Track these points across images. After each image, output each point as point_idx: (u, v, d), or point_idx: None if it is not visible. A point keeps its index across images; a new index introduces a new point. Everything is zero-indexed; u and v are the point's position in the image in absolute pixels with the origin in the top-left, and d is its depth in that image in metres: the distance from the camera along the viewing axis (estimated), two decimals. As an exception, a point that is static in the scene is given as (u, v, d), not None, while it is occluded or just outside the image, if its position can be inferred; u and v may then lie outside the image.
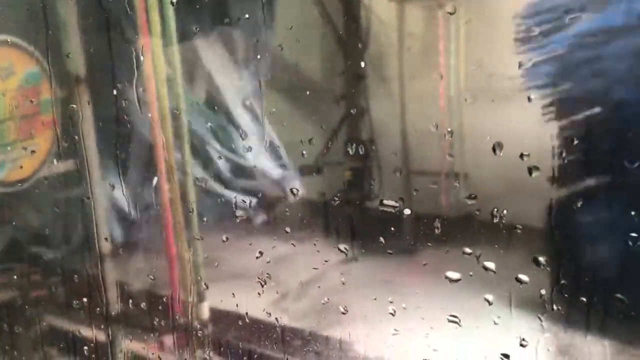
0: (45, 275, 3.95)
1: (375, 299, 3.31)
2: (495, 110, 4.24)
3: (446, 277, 3.32)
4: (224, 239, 3.39)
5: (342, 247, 4.12)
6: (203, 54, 4.76)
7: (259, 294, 3.23)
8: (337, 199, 4.50)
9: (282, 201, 4.31)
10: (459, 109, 4.39)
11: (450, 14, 4.03)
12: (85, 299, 3.61)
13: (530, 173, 3.62)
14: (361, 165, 4.43)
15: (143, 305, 3.43)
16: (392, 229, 4.13)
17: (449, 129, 4.47)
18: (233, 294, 3.28)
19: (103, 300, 3.53)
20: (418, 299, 3.24)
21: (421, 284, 3.46)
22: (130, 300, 3.58)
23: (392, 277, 3.61)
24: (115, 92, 3.41)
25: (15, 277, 4.12)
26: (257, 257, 3.41)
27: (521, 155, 3.87)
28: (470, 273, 3.53)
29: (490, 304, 3.02)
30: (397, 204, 3.58)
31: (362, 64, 4.40)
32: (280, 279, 3.63)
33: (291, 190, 3.36)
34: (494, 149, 4.16)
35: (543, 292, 2.98)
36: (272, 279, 3.57)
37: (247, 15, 3.38)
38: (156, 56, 3.19)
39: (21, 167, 3.99)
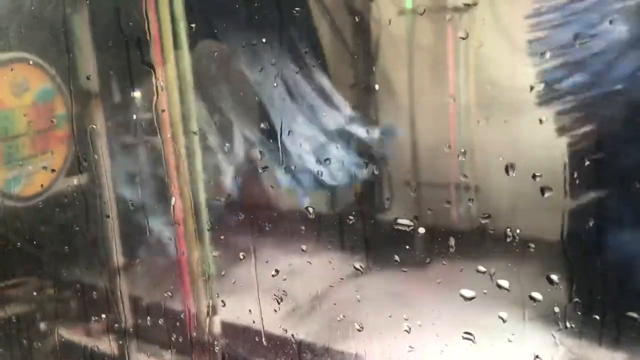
0: (60, 290, 3.99)
1: (390, 316, 3.31)
2: (505, 120, 4.23)
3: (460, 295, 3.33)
4: (241, 256, 3.42)
5: (357, 264, 4.12)
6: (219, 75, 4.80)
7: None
8: (347, 212, 4.50)
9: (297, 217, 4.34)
10: (470, 122, 4.38)
11: (462, 38, 4.04)
12: (101, 315, 3.63)
13: (542, 193, 3.63)
14: (371, 178, 4.43)
15: (158, 320, 3.45)
16: (406, 246, 4.13)
17: (461, 147, 4.47)
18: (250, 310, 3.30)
19: (119, 316, 3.55)
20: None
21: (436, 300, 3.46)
22: (145, 316, 3.60)
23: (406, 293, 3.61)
24: (133, 113, 3.45)
25: (29, 291, 4.16)
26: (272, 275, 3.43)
27: (533, 176, 3.88)
28: (485, 291, 3.53)
29: (504, 321, 3.03)
30: (412, 223, 3.59)
31: (372, 78, 4.41)
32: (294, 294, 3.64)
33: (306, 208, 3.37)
34: (506, 169, 4.17)
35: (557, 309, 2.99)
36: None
37: (264, 40, 3.42)
38: (171, 79, 3.22)
39: (37, 182, 4.04)
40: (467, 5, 4.00)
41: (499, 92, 3.92)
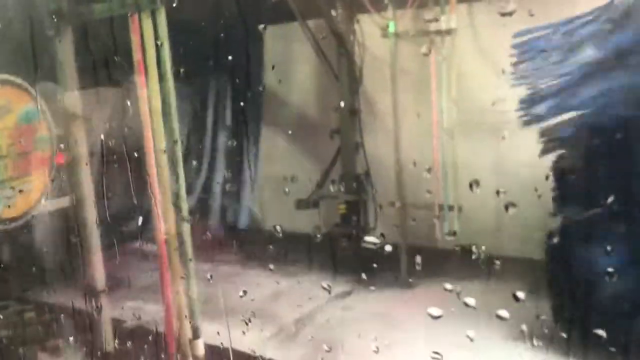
0: (37, 313, 3.91)
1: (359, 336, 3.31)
2: (488, 141, 4.28)
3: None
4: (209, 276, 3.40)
5: (337, 281, 4.11)
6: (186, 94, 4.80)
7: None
8: (331, 233, 4.50)
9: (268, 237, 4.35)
10: (453, 143, 4.43)
11: (443, 61, 4.09)
12: (77, 336, 3.56)
13: (506, 208, 3.65)
14: (357, 199, 4.45)
15: (135, 342, 3.39)
16: (381, 264, 4.13)
17: (441, 163, 4.51)
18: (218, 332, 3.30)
19: (96, 337, 3.49)
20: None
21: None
22: (123, 338, 3.54)
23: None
24: (105, 131, 3.43)
25: (7, 314, 4.07)
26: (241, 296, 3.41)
27: (497, 192, 3.90)
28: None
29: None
30: (379, 241, 3.63)
31: (356, 100, 4.46)
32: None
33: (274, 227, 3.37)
34: (496, 193, 4.18)
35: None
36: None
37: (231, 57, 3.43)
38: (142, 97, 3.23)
39: (16, 204, 3.98)
40: (448, 31, 4.07)
41: (480, 114, 3.97)
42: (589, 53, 2.85)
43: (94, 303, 3.58)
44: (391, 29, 4.09)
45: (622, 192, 2.75)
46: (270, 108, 5.22)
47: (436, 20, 4.04)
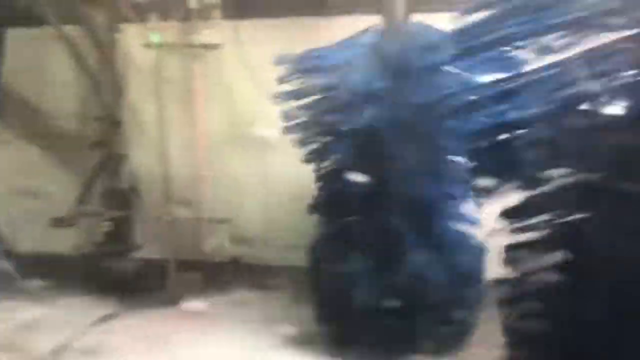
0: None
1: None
2: (255, 155, 4.43)
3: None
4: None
5: (100, 303, 3.83)
6: None
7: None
8: (93, 253, 4.19)
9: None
10: (220, 155, 4.48)
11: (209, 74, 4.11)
12: None
13: (274, 219, 3.82)
14: (122, 214, 4.21)
15: None
16: (148, 282, 3.99)
17: (211, 175, 4.53)
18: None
19: None
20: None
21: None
22: None
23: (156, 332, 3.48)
24: None
25: None
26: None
27: (266, 204, 4.08)
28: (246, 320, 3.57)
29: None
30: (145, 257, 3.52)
31: (120, 110, 4.25)
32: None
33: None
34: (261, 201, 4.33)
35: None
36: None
37: None
38: None
39: None
40: (214, 45, 4.13)
41: (248, 127, 4.08)
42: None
43: None
44: (156, 40, 3.99)
45: (366, 203, 3.08)
46: (22, 116, 4.68)
47: (201, 33, 4.07)
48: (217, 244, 4.32)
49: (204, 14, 4.04)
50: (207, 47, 4.12)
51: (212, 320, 3.72)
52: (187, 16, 4.05)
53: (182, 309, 3.92)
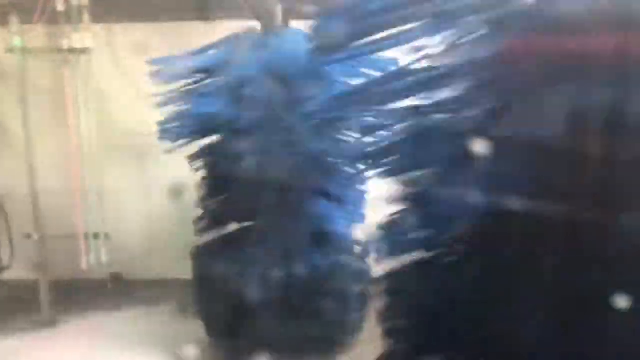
0: None
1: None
2: (134, 165, 4.25)
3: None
4: None
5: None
6: None
7: None
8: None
9: None
10: (95, 166, 4.24)
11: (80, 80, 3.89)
12: None
13: (156, 232, 3.70)
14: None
15: None
16: (19, 304, 3.70)
17: (83, 190, 4.27)
18: None
19: None
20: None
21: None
22: None
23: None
24: None
25: None
26: None
27: (146, 217, 3.93)
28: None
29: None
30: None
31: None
32: None
33: None
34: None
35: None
36: None
37: None
38: None
39: None
40: (83, 50, 3.89)
41: (125, 137, 3.89)
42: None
43: None
44: (17, 43, 3.70)
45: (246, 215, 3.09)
46: None
47: (70, 37, 3.82)
48: (94, 261, 4.09)
49: (72, 17, 3.81)
50: (77, 51, 3.88)
51: (92, 341, 3.50)
52: (54, 19, 3.80)
53: (60, 330, 3.70)
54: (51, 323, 3.78)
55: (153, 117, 3.14)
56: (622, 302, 1.22)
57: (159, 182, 4.07)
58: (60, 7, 3.81)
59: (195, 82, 3.04)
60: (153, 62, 3.04)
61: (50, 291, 3.87)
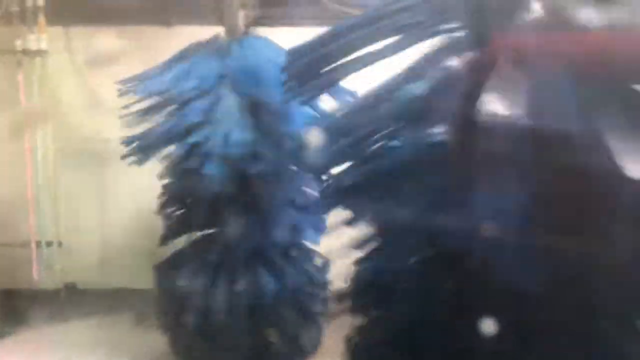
0: None
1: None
2: (89, 172, 4.13)
3: None
4: None
5: None
6: None
7: None
8: None
9: None
10: (50, 172, 4.10)
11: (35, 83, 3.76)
12: None
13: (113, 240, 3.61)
14: None
15: None
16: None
17: (37, 196, 4.13)
18: None
19: None
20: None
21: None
22: None
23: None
24: None
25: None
26: None
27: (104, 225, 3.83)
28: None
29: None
30: None
31: None
32: None
33: None
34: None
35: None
36: None
37: None
38: None
39: None
40: (39, 52, 3.76)
41: (84, 143, 3.77)
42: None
43: None
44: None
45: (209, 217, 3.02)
46: None
47: (25, 39, 3.70)
48: (47, 270, 3.95)
49: (26, 18, 3.69)
50: (31, 53, 3.76)
51: (38, 354, 3.38)
52: (7, 20, 3.67)
53: (10, 342, 3.56)
54: (1, 334, 3.65)
55: (111, 122, 3.05)
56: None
57: (117, 189, 3.97)
58: (13, 7, 3.70)
59: (162, 100, 2.96)
60: (122, 82, 2.96)
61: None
